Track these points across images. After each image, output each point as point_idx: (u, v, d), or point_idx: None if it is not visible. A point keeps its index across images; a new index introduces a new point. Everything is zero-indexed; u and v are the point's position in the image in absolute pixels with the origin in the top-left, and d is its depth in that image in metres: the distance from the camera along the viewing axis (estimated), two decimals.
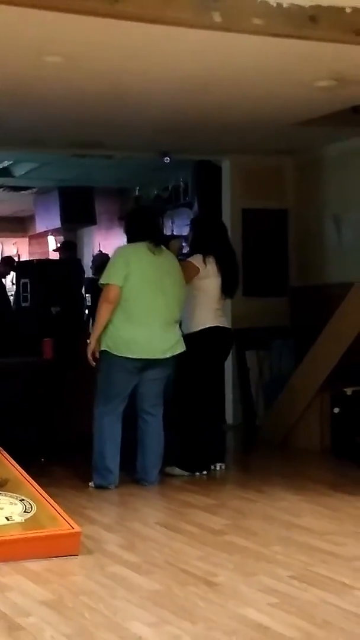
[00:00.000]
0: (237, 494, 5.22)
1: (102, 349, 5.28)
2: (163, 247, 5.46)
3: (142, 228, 5.45)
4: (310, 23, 4.07)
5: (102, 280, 5.31)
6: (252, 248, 7.80)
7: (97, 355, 5.30)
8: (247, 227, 7.80)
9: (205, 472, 5.72)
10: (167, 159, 7.44)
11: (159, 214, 5.82)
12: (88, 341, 5.36)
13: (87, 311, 8.72)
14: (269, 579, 3.57)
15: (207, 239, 5.78)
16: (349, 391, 6.31)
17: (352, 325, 6.17)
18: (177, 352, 5.38)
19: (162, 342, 5.31)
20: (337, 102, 5.70)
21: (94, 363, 5.31)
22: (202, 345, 5.64)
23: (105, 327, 5.27)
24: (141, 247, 5.36)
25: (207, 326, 5.67)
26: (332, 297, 6.62)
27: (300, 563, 3.79)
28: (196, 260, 5.69)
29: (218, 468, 5.84)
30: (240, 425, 7.66)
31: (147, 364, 5.31)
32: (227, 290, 5.77)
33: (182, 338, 5.44)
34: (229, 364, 7.65)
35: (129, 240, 5.55)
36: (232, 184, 7.80)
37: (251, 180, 7.76)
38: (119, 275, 5.24)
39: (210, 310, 5.70)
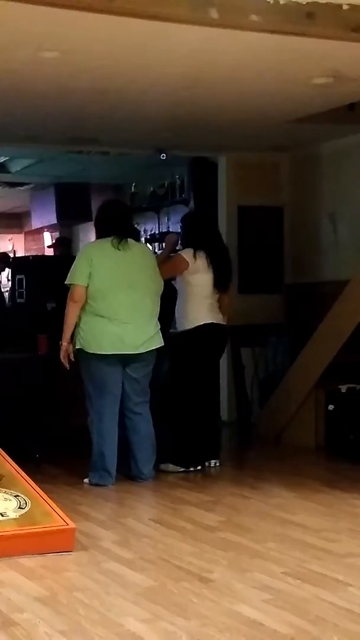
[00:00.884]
0: (231, 491, 5.22)
1: (77, 347, 5.30)
2: (131, 242, 5.40)
3: (108, 223, 5.42)
4: (307, 20, 4.07)
5: (66, 281, 5.32)
6: (248, 245, 7.80)
7: (72, 356, 5.32)
8: (242, 224, 7.80)
9: (199, 468, 5.72)
10: (163, 156, 7.43)
11: (126, 207, 5.77)
12: (60, 343, 5.36)
13: None
14: (263, 575, 3.58)
15: (197, 234, 5.77)
16: (343, 388, 6.33)
17: (347, 323, 6.17)
18: (152, 348, 5.35)
19: (134, 338, 5.27)
20: (333, 99, 5.70)
21: (68, 366, 5.33)
22: (196, 343, 5.64)
23: (76, 327, 5.30)
24: (105, 243, 5.35)
25: (201, 323, 5.66)
26: (328, 294, 6.62)
27: (294, 560, 3.79)
28: (186, 254, 5.68)
29: (213, 465, 5.84)
30: (235, 422, 7.66)
31: (124, 360, 5.29)
32: (219, 284, 5.76)
33: (159, 332, 5.40)
34: (224, 361, 7.66)
35: (97, 237, 5.55)
36: (228, 180, 7.80)
37: (247, 177, 7.76)
38: (83, 275, 5.25)
39: (203, 306, 5.69)
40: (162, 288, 5.50)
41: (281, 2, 4.01)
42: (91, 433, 5.34)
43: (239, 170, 7.78)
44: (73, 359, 5.35)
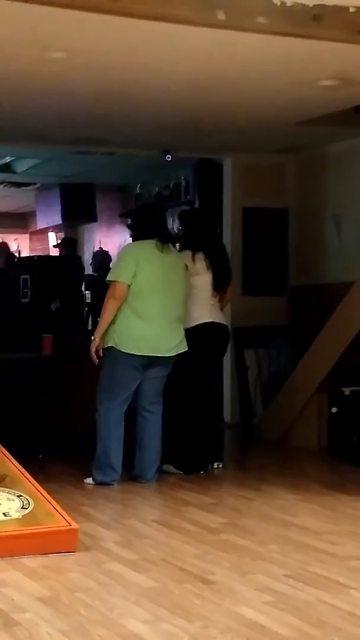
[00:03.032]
0: (234, 493, 5.22)
1: (109, 345, 5.28)
2: (170, 245, 5.48)
3: (150, 226, 5.45)
4: (314, 22, 4.07)
5: (110, 277, 5.32)
6: (252, 246, 7.80)
7: (101, 352, 5.30)
8: (247, 226, 7.80)
9: (202, 472, 5.70)
10: (168, 157, 7.43)
11: (164, 211, 5.80)
12: (92, 338, 5.35)
13: (86, 308, 8.73)
14: (265, 577, 3.57)
15: (196, 234, 5.77)
16: (346, 391, 6.32)
17: (351, 325, 6.17)
18: (181, 351, 5.40)
19: (168, 340, 5.33)
20: (339, 102, 5.70)
21: (97, 360, 5.31)
22: (197, 341, 5.63)
23: (112, 324, 5.27)
24: (149, 245, 5.37)
25: (202, 322, 5.66)
26: (332, 296, 6.62)
27: (296, 562, 3.79)
28: (184, 257, 5.68)
29: (215, 466, 5.84)
30: (238, 424, 7.66)
31: (151, 362, 5.31)
32: (218, 285, 5.75)
33: (184, 337, 5.44)
34: (227, 362, 7.67)
35: (136, 238, 5.55)
36: (233, 182, 7.80)
37: (252, 179, 7.76)
38: (128, 273, 5.26)
39: (204, 306, 5.69)
40: (188, 294, 5.54)
41: (288, 4, 4.01)
42: (97, 428, 5.34)
43: (244, 172, 7.78)
44: (102, 355, 5.32)
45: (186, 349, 5.42)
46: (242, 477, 5.84)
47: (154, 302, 5.29)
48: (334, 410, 6.38)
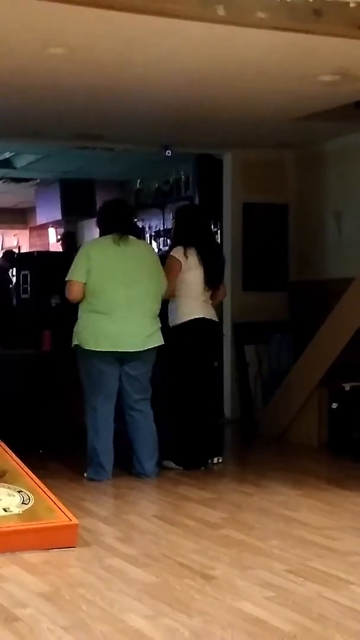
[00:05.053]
0: (234, 488, 5.23)
1: (74, 343, 5.33)
2: (132, 239, 5.41)
3: (109, 221, 5.45)
4: (315, 17, 4.06)
5: (66, 277, 5.35)
6: (252, 242, 7.80)
7: None
8: (247, 221, 7.79)
9: (202, 468, 5.70)
10: (168, 153, 7.42)
11: (126, 205, 5.74)
12: None
13: None
14: (265, 572, 3.58)
15: (189, 230, 5.75)
16: (347, 387, 6.32)
17: (351, 321, 6.17)
18: (151, 346, 5.34)
19: (132, 335, 5.27)
20: (339, 97, 5.69)
21: None
22: (186, 337, 5.62)
23: (76, 323, 5.33)
24: (105, 240, 5.39)
25: (191, 317, 5.64)
26: (332, 292, 6.62)
27: (296, 557, 3.79)
28: (177, 253, 5.66)
29: (215, 461, 5.84)
30: (239, 419, 7.66)
31: (123, 357, 5.29)
32: (210, 281, 5.74)
33: (159, 331, 5.39)
34: (227, 358, 7.67)
35: (100, 234, 5.56)
36: (233, 177, 7.79)
37: (252, 174, 7.75)
38: (80, 272, 5.28)
39: (195, 302, 5.67)
40: (165, 287, 5.50)
41: (288, 0, 4.00)
42: (87, 428, 5.36)
43: (244, 167, 7.77)
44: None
45: (161, 342, 5.37)
46: (242, 472, 5.84)
47: (114, 297, 5.25)
48: (334, 405, 6.38)
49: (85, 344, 5.27)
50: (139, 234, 5.61)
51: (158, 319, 5.43)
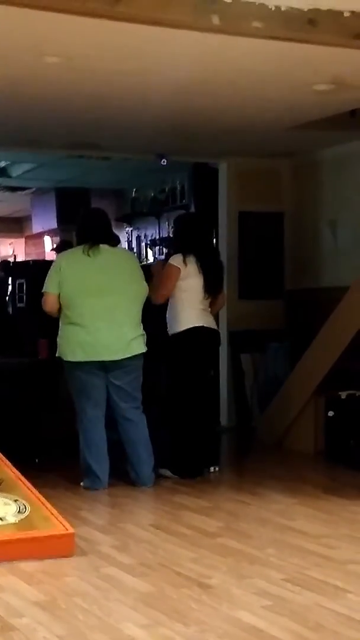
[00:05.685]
0: (231, 497, 5.22)
1: (57, 355, 5.38)
2: (104, 247, 5.38)
3: (83, 232, 5.48)
4: (309, 26, 4.07)
5: (42, 290, 5.41)
6: (248, 251, 7.81)
7: None
8: (243, 230, 7.80)
9: (199, 476, 5.69)
10: (164, 161, 7.43)
11: (99, 215, 5.71)
12: None
13: None
14: (262, 581, 3.57)
15: (188, 237, 5.76)
16: (343, 395, 6.32)
17: (347, 329, 6.17)
18: (132, 354, 5.32)
19: (109, 344, 5.26)
20: (334, 106, 5.71)
21: None
22: (186, 346, 5.62)
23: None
24: (76, 251, 5.44)
25: (190, 326, 5.63)
26: (328, 300, 6.62)
27: (293, 566, 3.79)
28: (176, 261, 5.66)
29: (212, 470, 5.84)
30: (235, 428, 7.66)
31: (106, 366, 5.29)
32: (209, 289, 5.74)
33: (141, 338, 5.37)
34: (223, 366, 7.67)
35: (76, 245, 5.59)
36: (229, 186, 7.80)
37: (248, 183, 7.77)
38: (53, 284, 5.34)
39: (194, 310, 5.67)
40: (146, 292, 5.48)
41: (283, 9, 4.01)
42: (79, 438, 5.38)
43: (239, 176, 7.79)
44: None
45: (143, 350, 5.35)
46: (238, 481, 5.84)
47: (86, 307, 5.26)
48: (330, 414, 6.38)
49: (64, 355, 5.32)
50: (116, 241, 5.54)
51: (141, 325, 5.41)
